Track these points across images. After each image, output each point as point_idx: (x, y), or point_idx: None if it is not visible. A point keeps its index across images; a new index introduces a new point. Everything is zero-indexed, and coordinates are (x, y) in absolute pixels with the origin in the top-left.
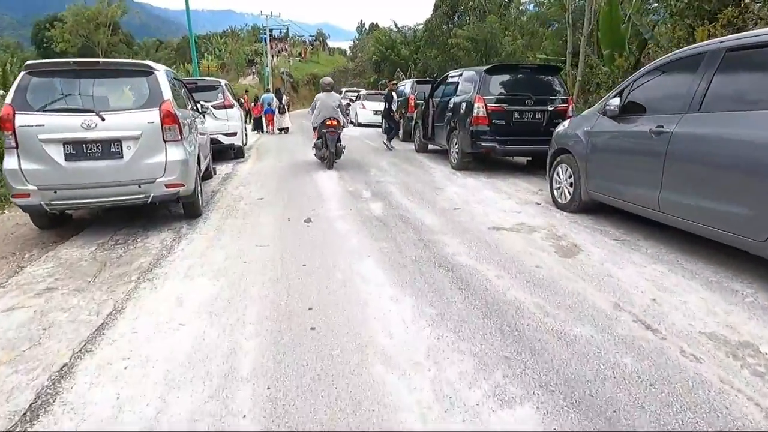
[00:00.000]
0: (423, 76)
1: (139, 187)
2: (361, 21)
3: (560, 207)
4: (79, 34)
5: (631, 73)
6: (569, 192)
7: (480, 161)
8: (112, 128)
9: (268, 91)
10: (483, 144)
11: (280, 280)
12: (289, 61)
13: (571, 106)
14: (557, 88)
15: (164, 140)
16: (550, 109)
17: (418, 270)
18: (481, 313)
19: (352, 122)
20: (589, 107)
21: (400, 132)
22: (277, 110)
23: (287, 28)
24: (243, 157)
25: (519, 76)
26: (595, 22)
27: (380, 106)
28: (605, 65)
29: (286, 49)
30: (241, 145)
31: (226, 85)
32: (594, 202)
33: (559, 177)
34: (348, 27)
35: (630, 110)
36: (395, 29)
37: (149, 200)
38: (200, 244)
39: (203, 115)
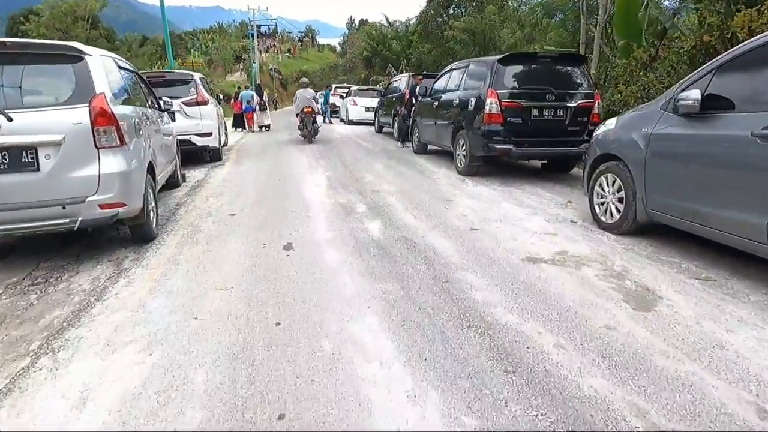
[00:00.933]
0: (417, 71)
1: (64, 208)
2: (351, 17)
3: (605, 227)
4: (55, 28)
5: (649, 65)
6: (617, 209)
7: (489, 165)
8: (24, 131)
9: (247, 87)
10: (496, 146)
11: (240, 357)
12: (277, 58)
13: (597, 101)
14: (581, 81)
15: (97, 146)
16: (574, 105)
17: (440, 333)
18: (550, 424)
19: (342, 120)
20: (607, 103)
21: (395, 131)
22: (257, 107)
23: (275, 24)
24: (220, 160)
25: (537, 66)
26: (611, 10)
27: (372, 102)
28: (620, 57)
29: (274, 45)
30: (217, 146)
31: (201, 79)
32: (653, 223)
33: (603, 190)
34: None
35: (711, 106)
36: (386, 24)
37: (77, 226)
38: (142, 285)
39: (168, 114)
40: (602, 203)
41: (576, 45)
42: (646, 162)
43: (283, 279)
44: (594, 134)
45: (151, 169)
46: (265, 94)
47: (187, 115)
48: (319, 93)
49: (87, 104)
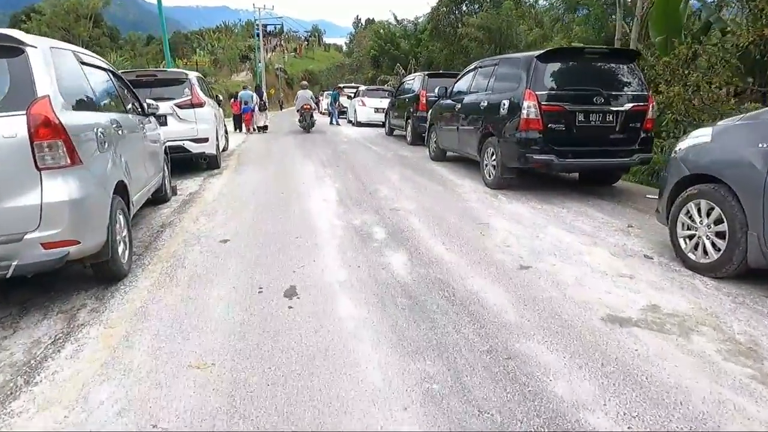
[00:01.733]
0: (427, 71)
1: None
2: (357, 16)
3: (695, 267)
4: (58, 27)
5: (691, 62)
6: (714, 246)
7: (519, 176)
8: None
9: (245, 88)
10: (535, 157)
11: None
12: (283, 57)
13: (652, 104)
14: (633, 81)
15: (38, 167)
16: (625, 108)
17: None
18: None
19: (350, 121)
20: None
21: (408, 135)
22: (257, 108)
23: (281, 24)
24: (218, 167)
25: (583, 63)
26: (648, 3)
27: (383, 103)
28: (658, 54)
29: (280, 45)
30: (214, 153)
31: (197, 78)
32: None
33: (692, 220)
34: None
35: None
36: (395, 22)
37: (9, 273)
38: (92, 358)
39: (157, 118)
40: (690, 236)
41: (601, 42)
42: (766, 187)
43: (283, 352)
44: (677, 148)
45: (121, 190)
46: (264, 94)
47: (180, 118)
48: (326, 93)
49: (24, 111)
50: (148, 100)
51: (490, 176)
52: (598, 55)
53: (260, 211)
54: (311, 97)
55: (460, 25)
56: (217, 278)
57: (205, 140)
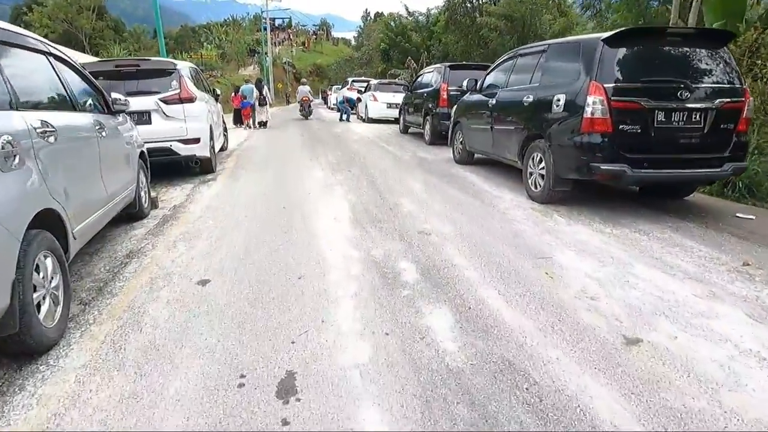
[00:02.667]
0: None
1: None
2: (366, 10)
3: None
4: (60, 19)
5: (755, 51)
6: None
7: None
8: None
9: (247, 81)
10: (602, 167)
11: None
12: (291, 51)
13: (748, 100)
14: (725, 70)
15: None
16: (716, 105)
17: None
18: None
19: (360, 117)
20: None
21: (427, 134)
22: (257, 102)
23: (290, 18)
24: (212, 171)
25: (663, 48)
26: None
27: (396, 98)
28: None
29: (288, 39)
30: (207, 155)
31: (190, 69)
32: None
33: None
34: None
35: None
36: (406, 14)
37: None
38: None
39: (125, 117)
40: None
41: None
42: None
43: None
44: None
45: (50, 222)
46: (265, 89)
47: (166, 115)
48: (334, 88)
49: None
50: (115, 95)
51: (536, 188)
52: (682, 37)
53: (255, 233)
54: (309, 91)
55: (477, 15)
56: (182, 354)
57: (196, 141)
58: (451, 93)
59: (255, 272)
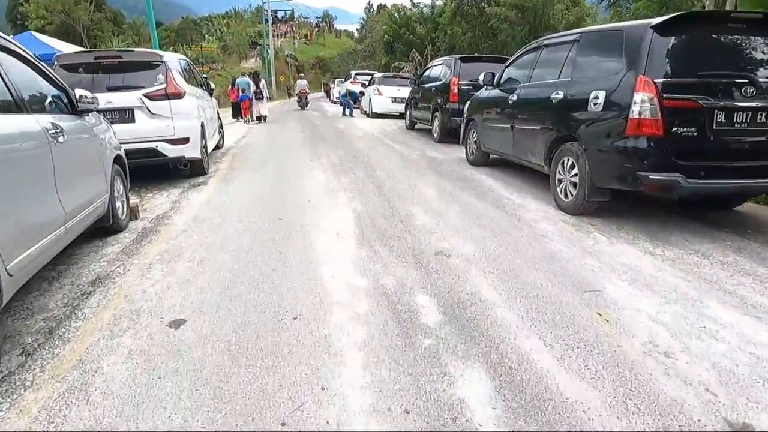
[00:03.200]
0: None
1: None
2: (369, 2)
3: None
4: (57, 10)
5: None
6: None
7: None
8: None
9: (243, 74)
10: (651, 176)
11: None
12: (294, 44)
13: None
14: None
15: None
16: None
17: None
18: None
19: (364, 112)
20: None
21: (435, 131)
22: (254, 96)
23: (292, 10)
24: (204, 173)
25: (721, 36)
26: None
27: (401, 92)
28: None
29: (291, 31)
30: (198, 156)
31: (180, 61)
32: None
33: None
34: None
35: None
36: (411, 5)
37: None
38: None
39: (97, 117)
40: None
41: None
42: None
43: None
44: None
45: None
46: (262, 82)
47: (151, 113)
48: (337, 81)
49: None
50: (80, 92)
51: (566, 197)
52: (747, 24)
53: (245, 253)
54: (306, 85)
55: (486, 5)
56: None
57: (185, 141)
58: (463, 87)
59: (241, 309)
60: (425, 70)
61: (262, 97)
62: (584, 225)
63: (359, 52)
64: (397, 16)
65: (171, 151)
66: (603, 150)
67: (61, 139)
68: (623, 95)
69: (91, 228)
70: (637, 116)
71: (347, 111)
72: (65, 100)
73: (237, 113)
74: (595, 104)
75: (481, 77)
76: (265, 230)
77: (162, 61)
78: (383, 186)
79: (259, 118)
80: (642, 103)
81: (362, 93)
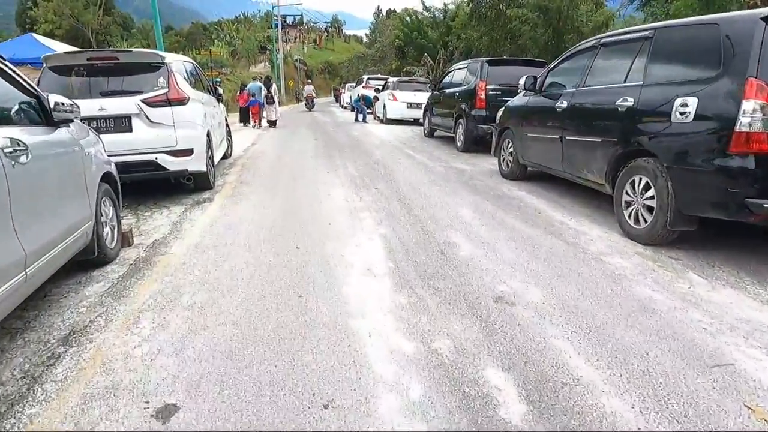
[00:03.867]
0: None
1: None
2: (378, 6)
3: None
4: (66, 14)
5: None
6: None
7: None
8: None
9: (255, 79)
10: (766, 204)
11: None
12: (303, 49)
13: None
14: None
15: None
16: None
17: None
18: None
19: (378, 118)
20: None
21: (459, 139)
22: (265, 101)
23: (301, 15)
24: (210, 188)
25: None
26: None
27: (417, 97)
28: None
29: (300, 36)
30: (203, 169)
31: (185, 63)
32: None
33: None
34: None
35: None
36: (423, 9)
37: None
38: None
39: (73, 127)
40: None
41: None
42: None
43: None
44: None
45: None
46: (273, 87)
47: (150, 121)
48: (347, 86)
49: None
50: (57, 99)
51: (637, 223)
52: None
53: (256, 300)
54: (313, 90)
55: (504, 7)
56: None
57: (188, 153)
58: (490, 93)
59: (252, 389)
60: (446, 75)
61: (273, 101)
62: (666, 259)
63: (369, 57)
64: (409, 20)
65: (172, 164)
66: (694, 170)
67: (23, 159)
68: (724, 103)
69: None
70: (746, 129)
71: (360, 117)
72: (37, 109)
73: (245, 118)
74: (682, 113)
75: (522, 81)
76: (279, 264)
77: (163, 63)
78: (412, 205)
79: (270, 123)
80: (753, 112)
81: (376, 98)
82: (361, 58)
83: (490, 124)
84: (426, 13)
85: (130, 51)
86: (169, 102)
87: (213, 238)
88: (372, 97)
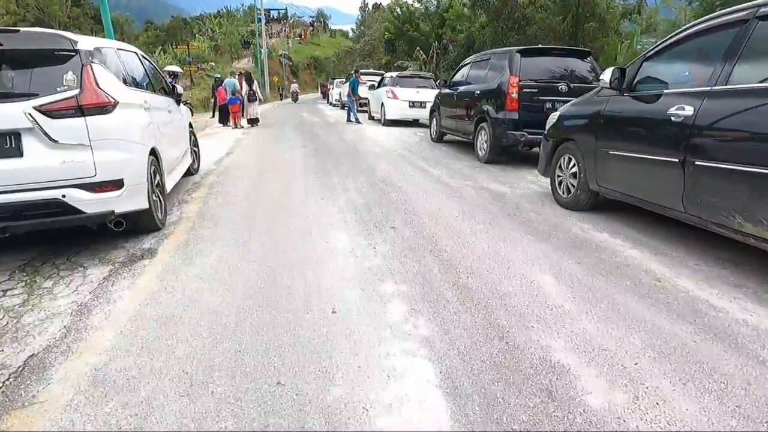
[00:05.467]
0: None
1: None
2: (364, 1)
3: None
4: (29, 5)
5: None
6: None
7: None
8: None
9: (233, 74)
10: None
11: None
12: (287, 43)
13: None
14: None
15: None
16: None
17: None
18: None
19: (373, 118)
20: None
21: (481, 148)
22: (246, 98)
23: (285, 9)
24: (157, 227)
25: None
26: None
27: (420, 94)
28: None
29: (284, 30)
30: (145, 206)
31: (123, 53)
32: None
33: None
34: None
35: None
36: (412, 1)
37: None
38: None
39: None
40: None
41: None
42: None
43: None
44: None
45: None
46: (255, 83)
47: (51, 139)
48: (336, 82)
49: None
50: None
51: None
52: None
53: None
54: (297, 87)
55: None
56: None
57: (116, 185)
58: (524, 91)
59: None
60: (459, 69)
61: (255, 99)
62: None
63: (357, 51)
64: (399, 12)
65: (90, 203)
66: None
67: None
68: None
69: None
70: None
71: (352, 117)
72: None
73: (224, 118)
74: None
75: (606, 75)
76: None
77: (75, 51)
78: (454, 262)
79: (251, 122)
80: None
81: (357, 94)
82: (349, 53)
83: (523, 130)
84: (417, 5)
85: (19, 31)
86: (81, 109)
87: (132, 353)
88: (352, 88)
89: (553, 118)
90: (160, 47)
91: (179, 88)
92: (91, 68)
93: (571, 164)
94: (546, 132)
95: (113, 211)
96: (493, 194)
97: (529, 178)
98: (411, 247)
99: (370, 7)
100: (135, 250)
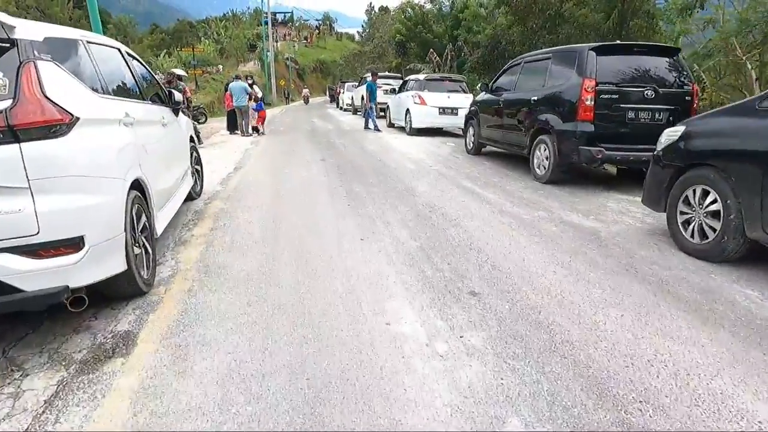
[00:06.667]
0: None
1: None
2: (370, 4)
3: None
4: (30, 6)
5: None
6: None
7: None
8: None
9: (238, 78)
10: None
11: None
12: (294, 47)
13: None
14: None
15: None
16: None
17: None
18: None
19: (394, 125)
20: None
21: (539, 165)
22: (252, 105)
23: (291, 12)
24: (141, 292)
25: None
26: None
27: (452, 100)
28: None
29: (290, 34)
30: (115, 272)
31: (90, 45)
32: None
33: None
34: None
35: None
36: (427, 1)
37: None
38: None
39: None
40: None
41: None
42: None
43: None
44: None
45: None
46: (255, 87)
47: None
48: (347, 85)
49: None
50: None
51: None
52: None
53: None
54: (308, 92)
55: None
56: None
57: (71, 246)
58: (601, 97)
59: None
60: (505, 70)
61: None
62: None
63: (366, 54)
64: (411, 13)
65: (29, 276)
66: None
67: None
68: None
69: None
70: None
71: (371, 124)
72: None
73: (233, 125)
74: None
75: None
76: None
77: (11, 42)
78: (603, 375)
79: (254, 129)
80: None
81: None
82: (358, 56)
83: (600, 145)
84: (430, 5)
85: None
86: (12, 131)
87: None
88: (371, 89)
89: (672, 134)
90: (165, 50)
91: (177, 95)
92: (35, 67)
93: (709, 199)
94: (658, 152)
95: (67, 287)
96: (582, 232)
97: (613, 206)
98: (515, 335)
99: (376, 9)
100: (105, 334)
